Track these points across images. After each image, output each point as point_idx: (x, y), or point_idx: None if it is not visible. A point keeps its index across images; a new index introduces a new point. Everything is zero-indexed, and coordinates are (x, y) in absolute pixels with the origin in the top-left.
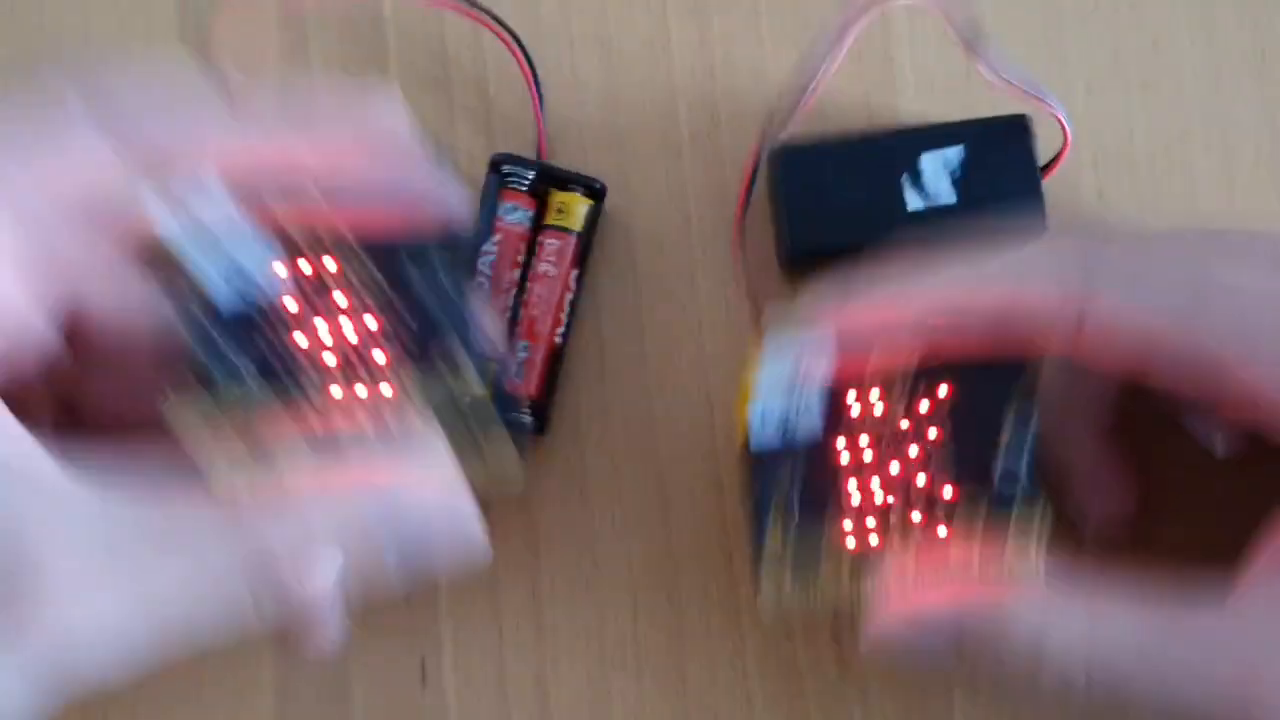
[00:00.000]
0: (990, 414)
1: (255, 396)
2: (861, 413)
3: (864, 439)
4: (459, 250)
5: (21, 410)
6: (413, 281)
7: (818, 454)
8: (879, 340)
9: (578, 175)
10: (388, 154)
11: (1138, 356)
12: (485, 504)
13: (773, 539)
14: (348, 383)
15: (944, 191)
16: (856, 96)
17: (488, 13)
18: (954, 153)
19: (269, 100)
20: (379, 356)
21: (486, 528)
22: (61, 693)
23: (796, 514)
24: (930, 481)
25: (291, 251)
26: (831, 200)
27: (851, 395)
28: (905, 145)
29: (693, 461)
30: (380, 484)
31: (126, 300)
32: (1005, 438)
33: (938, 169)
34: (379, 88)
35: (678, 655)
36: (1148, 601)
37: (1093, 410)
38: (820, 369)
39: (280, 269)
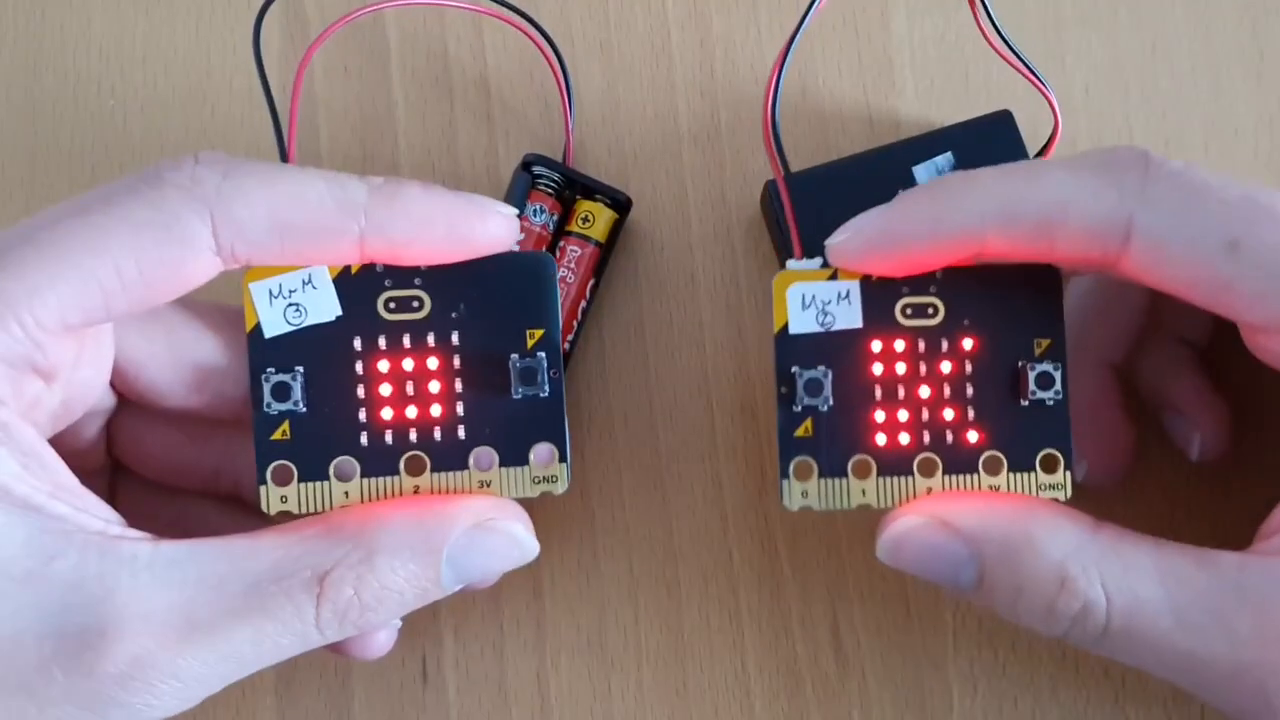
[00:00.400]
0: (1028, 328)
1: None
2: (901, 314)
3: (901, 343)
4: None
5: (78, 461)
6: (519, 382)
7: (855, 346)
8: (926, 246)
9: (604, 185)
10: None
11: (1174, 280)
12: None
13: (802, 429)
14: (424, 454)
15: None
16: (856, 96)
17: (525, 17)
18: (944, 160)
19: (389, 213)
20: (459, 436)
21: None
22: None
23: (828, 404)
24: (964, 389)
25: (393, 335)
26: (833, 225)
27: (894, 296)
28: (895, 160)
29: (693, 461)
30: (439, 508)
31: (179, 354)
32: (1027, 392)
33: (931, 178)
34: (495, 205)
35: (678, 655)
36: (1165, 561)
37: (1109, 342)
38: (846, 311)
39: (378, 345)
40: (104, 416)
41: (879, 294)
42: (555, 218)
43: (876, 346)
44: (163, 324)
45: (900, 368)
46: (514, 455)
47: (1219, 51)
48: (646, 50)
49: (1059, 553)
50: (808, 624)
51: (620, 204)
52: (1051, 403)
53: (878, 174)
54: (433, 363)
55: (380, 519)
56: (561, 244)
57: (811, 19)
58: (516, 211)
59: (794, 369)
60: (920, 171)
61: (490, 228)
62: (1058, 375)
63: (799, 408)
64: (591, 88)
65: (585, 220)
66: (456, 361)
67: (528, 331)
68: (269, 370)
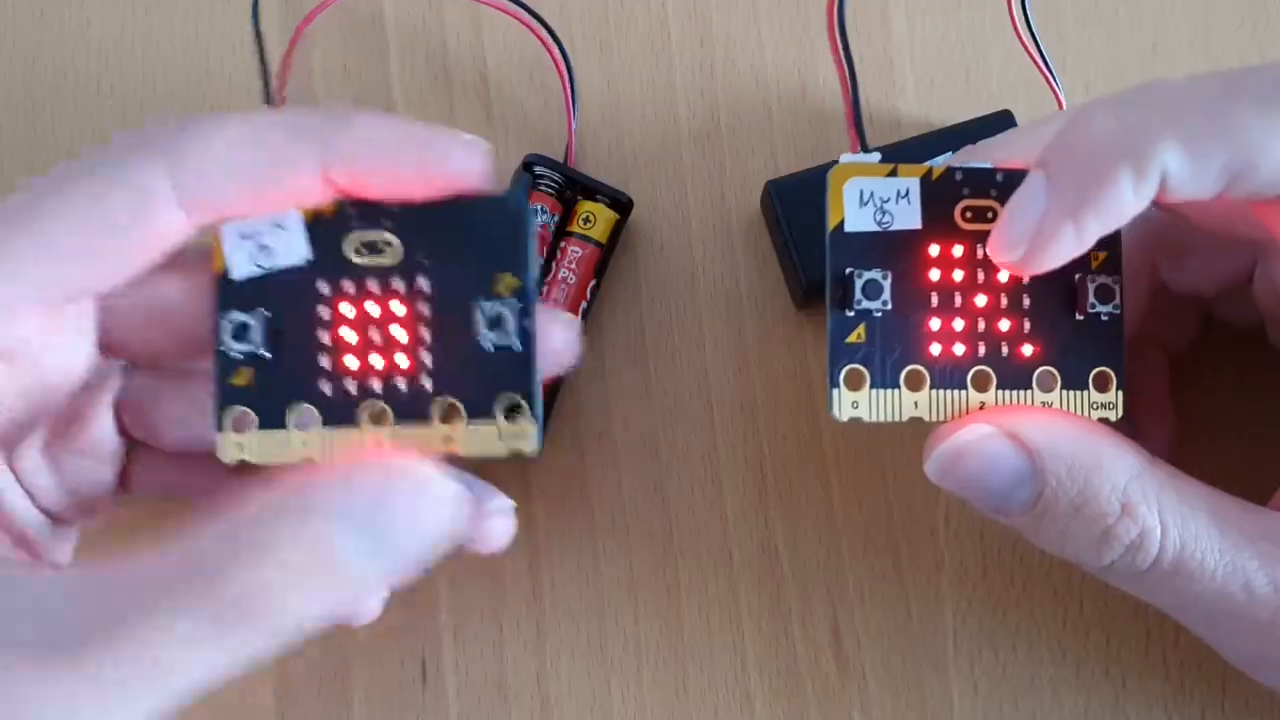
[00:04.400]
0: (1072, 280)
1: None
2: (961, 216)
3: (959, 248)
4: (529, 293)
5: (89, 443)
6: (487, 328)
7: (912, 248)
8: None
9: (605, 186)
10: (450, 186)
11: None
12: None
13: (855, 335)
14: (387, 402)
15: None
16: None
17: (534, 15)
18: (945, 160)
19: (348, 139)
20: (424, 386)
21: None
22: None
23: (886, 308)
24: (1006, 342)
25: (358, 279)
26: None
27: (954, 198)
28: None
29: (693, 462)
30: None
31: (151, 305)
32: (1084, 307)
33: None
34: (461, 136)
35: (678, 655)
36: (1216, 504)
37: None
38: (905, 211)
39: (342, 289)
40: (110, 394)
41: (939, 194)
42: (556, 218)
43: (934, 250)
44: (147, 285)
45: (958, 275)
46: (480, 409)
47: (1219, 52)
48: (646, 50)
49: (1123, 477)
50: (808, 625)
51: (621, 204)
52: (1107, 317)
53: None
54: (399, 309)
55: (257, 504)
56: (562, 244)
57: None
58: (484, 141)
59: (849, 269)
60: None
61: (456, 157)
62: (1117, 289)
63: (853, 312)
64: (591, 87)
65: (586, 221)
66: (425, 309)
67: (496, 275)
68: (231, 312)
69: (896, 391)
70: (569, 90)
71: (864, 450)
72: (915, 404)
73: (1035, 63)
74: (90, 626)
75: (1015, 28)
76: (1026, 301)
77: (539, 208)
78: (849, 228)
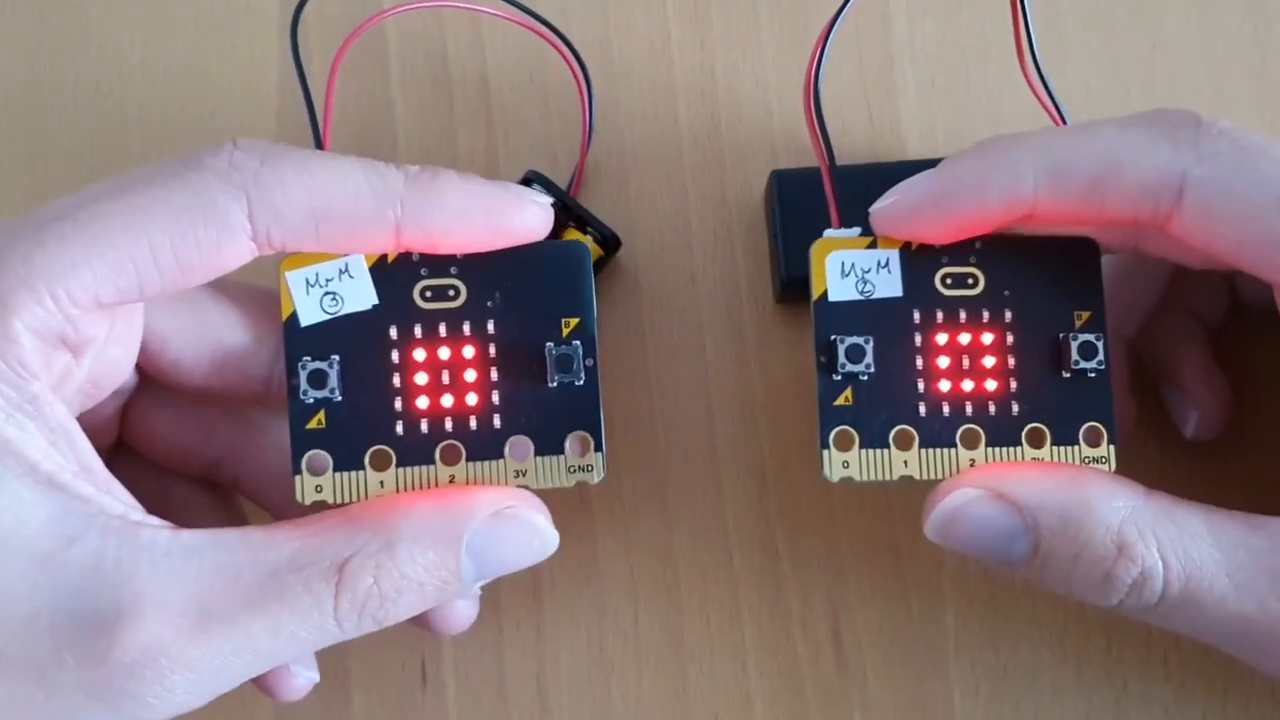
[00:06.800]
0: (1068, 300)
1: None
2: (941, 283)
3: (941, 312)
4: (590, 335)
5: (92, 439)
6: (555, 370)
7: (895, 315)
8: (974, 208)
9: (597, 221)
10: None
11: (1212, 248)
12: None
13: (842, 398)
14: (459, 443)
15: None
16: (856, 96)
17: (560, 36)
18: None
19: (425, 201)
20: (494, 426)
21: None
22: None
23: (869, 372)
24: (993, 401)
25: (428, 325)
26: (820, 229)
27: (933, 266)
28: (901, 177)
29: (693, 462)
30: (458, 497)
31: (207, 337)
32: (1069, 363)
33: None
34: (532, 195)
35: (678, 655)
36: (1217, 525)
37: (1124, 314)
38: (886, 280)
39: (413, 335)
40: (125, 396)
41: (918, 263)
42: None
43: (917, 316)
44: (191, 302)
45: (941, 338)
46: (549, 444)
47: (1220, 52)
48: (646, 50)
49: (1115, 519)
50: (808, 626)
51: (607, 240)
52: (1094, 374)
53: (881, 188)
54: (468, 351)
55: (400, 509)
56: None
57: (846, 16)
58: (552, 201)
59: (834, 336)
60: None
61: (526, 217)
62: (1100, 346)
63: (839, 376)
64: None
65: None
66: (492, 350)
67: (563, 320)
68: (305, 358)
69: (886, 451)
70: (587, 117)
71: None
72: (905, 463)
73: (1044, 105)
74: (236, 597)
75: (1024, 69)
76: (1012, 361)
77: None
78: (832, 298)
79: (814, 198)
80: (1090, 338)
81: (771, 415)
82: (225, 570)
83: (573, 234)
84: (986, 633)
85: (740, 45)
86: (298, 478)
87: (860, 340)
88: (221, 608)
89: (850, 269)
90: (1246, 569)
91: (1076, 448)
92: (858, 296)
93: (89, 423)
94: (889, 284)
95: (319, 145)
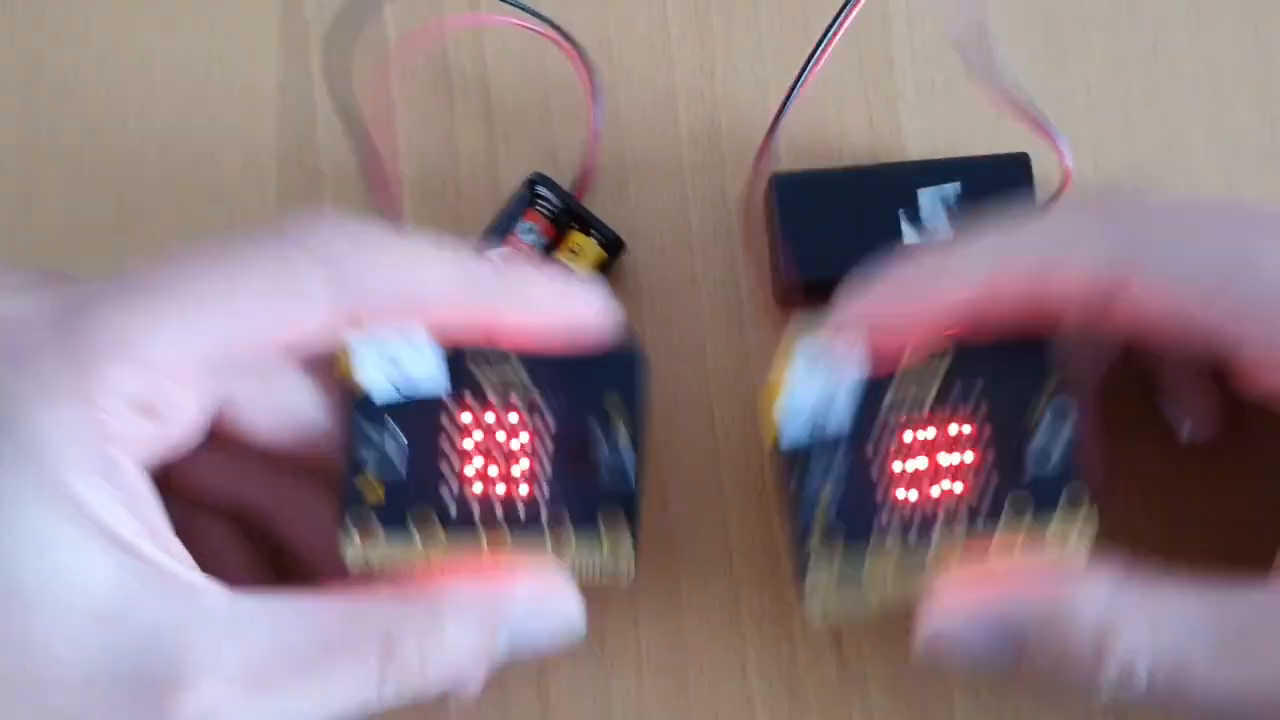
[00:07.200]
0: (1023, 402)
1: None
2: (895, 406)
3: (898, 435)
4: (636, 419)
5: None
6: (596, 444)
7: (852, 450)
8: (910, 329)
9: (602, 224)
10: (581, 340)
11: (1163, 329)
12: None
13: (814, 540)
14: (500, 509)
15: (941, 227)
16: (856, 97)
17: (569, 39)
18: (951, 189)
19: (489, 279)
20: (533, 494)
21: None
22: None
23: (835, 512)
24: (970, 473)
25: (477, 391)
26: (828, 232)
27: (883, 390)
28: (903, 180)
29: (693, 462)
30: (502, 579)
31: (280, 402)
32: (1040, 424)
33: (935, 205)
34: (587, 282)
35: (678, 656)
36: (1203, 595)
37: (1088, 378)
38: (851, 365)
39: (463, 399)
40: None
41: (872, 395)
42: (545, 240)
43: (880, 453)
44: (267, 368)
45: (902, 464)
46: (586, 526)
47: (1221, 53)
48: (646, 50)
49: (1090, 620)
50: (808, 627)
51: (611, 243)
52: (1067, 435)
53: (881, 190)
54: (522, 434)
55: (447, 585)
56: None
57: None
58: (603, 287)
59: (793, 483)
60: (925, 196)
61: (593, 315)
62: (1071, 407)
63: (808, 520)
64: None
65: (573, 252)
66: (545, 436)
67: (616, 420)
68: (360, 417)
69: (864, 584)
70: (595, 121)
71: None
72: (885, 582)
73: (1035, 120)
74: (289, 664)
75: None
76: (982, 470)
77: (530, 225)
78: (785, 445)
79: (814, 200)
80: (1054, 416)
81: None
82: (280, 637)
83: (576, 237)
84: None
85: (740, 44)
86: (349, 547)
87: (824, 485)
88: (275, 674)
89: (800, 414)
90: (1234, 640)
91: (1058, 522)
92: (811, 441)
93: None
94: (841, 420)
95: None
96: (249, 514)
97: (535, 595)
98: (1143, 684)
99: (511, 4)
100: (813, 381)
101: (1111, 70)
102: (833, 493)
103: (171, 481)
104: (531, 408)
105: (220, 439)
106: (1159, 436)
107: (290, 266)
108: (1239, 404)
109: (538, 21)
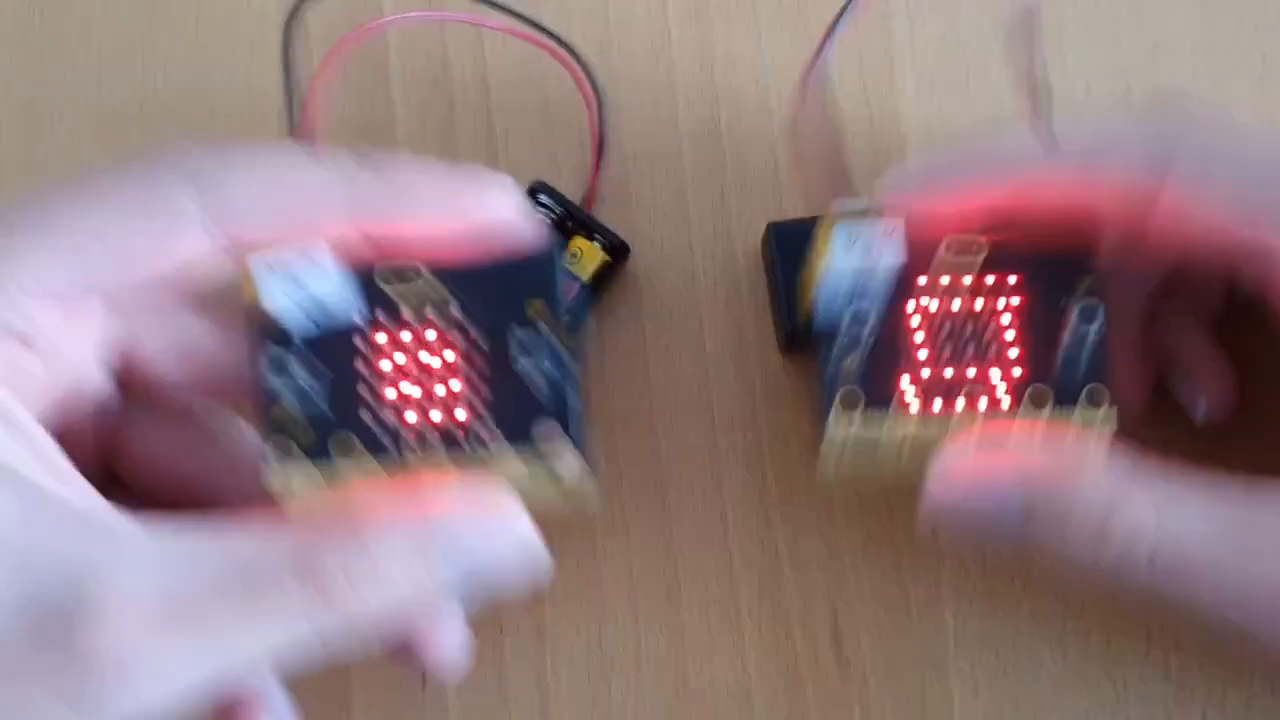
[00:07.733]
0: (1055, 301)
1: (329, 423)
2: (930, 294)
3: (931, 321)
4: (572, 324)
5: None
6: (521, 353)
7: (884, 329)
8: (949, 220)
9: (606, 230)
10: (496, 242)
11: (1202, 242)
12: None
13: (837, 403)
14: (427, 431)
15: None
16: (857, 96)
17: (572, 52)
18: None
19: (382, 188)
20: (461, 414)
21: (545, 546)
22: None
23: (860, 379)
24: (996, 364)
25: (391, 309)
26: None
27: (920, 278)
28: None
29: (693, 462)
30: (433, 505)
31: (181, 341)
32: (1070, 328)
33: None
34: (494, 178)
35: (678, 657)
36: (1214, 491)
37: (1129, 303)
38: (889, 250)
39: (376, 319)
40: (108, 416)
41: (908, 281)
42: None
43: (911, 335)
44: (166, 308)
45: (932, 348)
46: (519, 436)
47: (1220, 53)
48: (646, 50)
49: (1097, 497)
50: (808, 625)
51: (615, 249)
52: (1094, 338)
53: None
54: (431, 337)
55: (369, 502)
56: None
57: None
58: (511, 181)
59: (824, 354)
60: None
61: (490, 200)
62: (1100, 310)
63: (838, 348)
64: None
65: (574, 256)
66: (459, 338)
67: (541, 326)
68: (268, 343)
69: (887, 416)
70: (598, 133)
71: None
72: (908, 429)
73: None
74: (205, 592)
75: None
76: (1013, 330)
77: None
78: (835, 268)
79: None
80: (1090, 302)
81: (772, 414)
82: (193, 564)
83: (577, 241)
84: (986, 632)
85: (741, 45)
86: (266, 466)
87: (864, 308)
88: (190, 602)
89: (838, 293)
90: (1244, 531)
91: (1078, 410)
92: (861, 266)
93: (72, 445)
94: (878, 302)
95: (292, 135)
96: (208, 508)
97: (475, 517)
98: (1143, 566)
99: (513, 15)
100: (849, 262)
101: (1111, 69)
102: (859, 362)
103: (123, 476)
104: (450, 323)
105: (134, 391)
106: (1172, 417)
107: (157, 187)
108: (1253, 384)
109: (535, 31)
